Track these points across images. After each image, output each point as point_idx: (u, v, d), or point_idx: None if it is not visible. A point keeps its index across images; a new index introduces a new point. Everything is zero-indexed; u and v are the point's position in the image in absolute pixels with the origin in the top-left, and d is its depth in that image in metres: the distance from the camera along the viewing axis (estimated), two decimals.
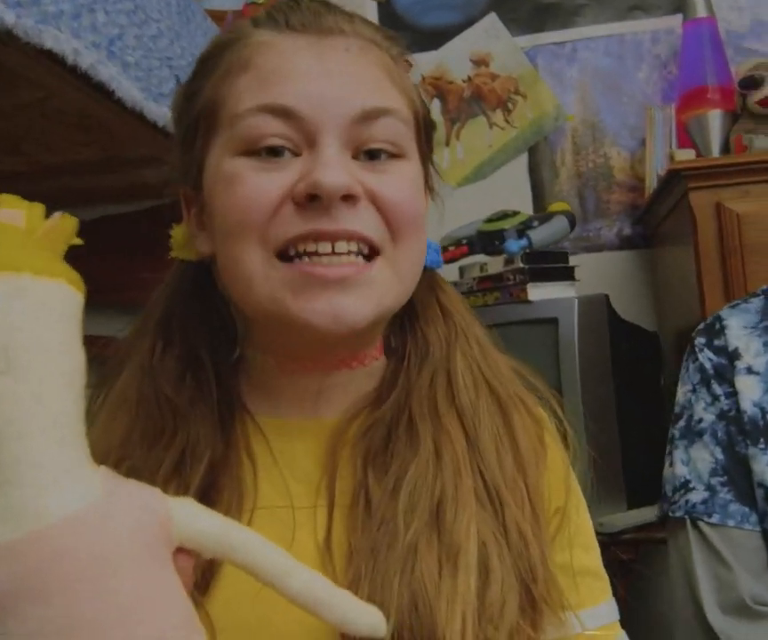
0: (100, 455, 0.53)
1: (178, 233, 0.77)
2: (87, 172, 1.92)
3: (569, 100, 2.53)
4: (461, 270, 2.16)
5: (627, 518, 1.85)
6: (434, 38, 2.59)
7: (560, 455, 0.75)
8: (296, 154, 0.65)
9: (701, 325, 1.33)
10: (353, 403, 0.73)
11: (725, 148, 2.06)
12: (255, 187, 0.64)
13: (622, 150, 2.49)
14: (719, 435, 1.22)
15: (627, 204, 2.49)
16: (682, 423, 1.29)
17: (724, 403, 1.24)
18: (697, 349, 1.30)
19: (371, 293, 0.66)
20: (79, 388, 0.48)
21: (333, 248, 0.64)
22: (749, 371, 1.22)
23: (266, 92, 0.65)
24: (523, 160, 2.54)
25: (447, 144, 2.55)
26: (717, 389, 1.25)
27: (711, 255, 1.87)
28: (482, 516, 0.66)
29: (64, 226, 0.49)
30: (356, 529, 0.66)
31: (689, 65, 2.18)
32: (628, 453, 1.94)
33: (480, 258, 2.13)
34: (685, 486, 1.24)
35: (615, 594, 0.79)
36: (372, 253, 0.67)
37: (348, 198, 0.64)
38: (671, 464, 1.30)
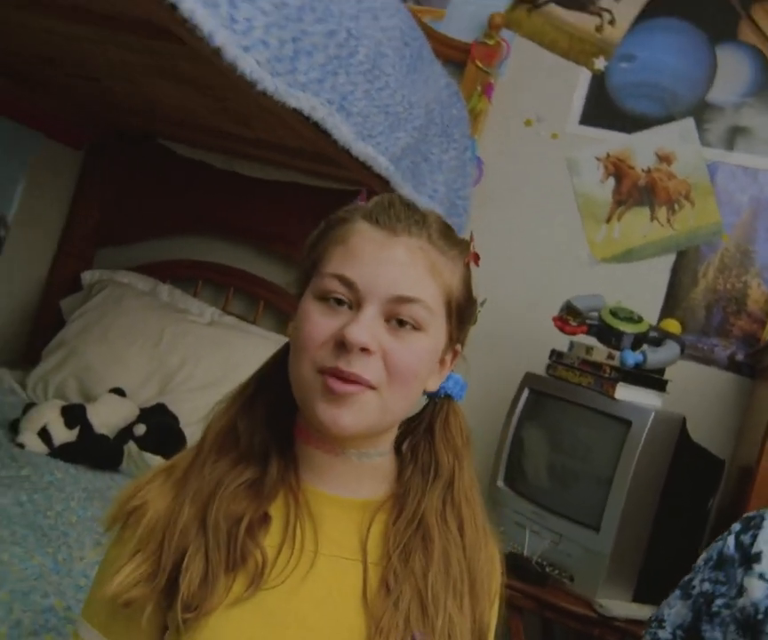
0: (194, 462, 0.92)
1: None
2: (295, 154, 2.42)
3: (731, 222, 2.65)
4: (572, 343, 2.40)
5: (624, 608, 2.09)
6: (631, 122, 2.77)
7: (497, 584, 1.03)
8: (352, 307, 0.92)
9: (751, 513, 1.50)
10: (379, 491, 0.99)
11: None
12: (316, 326, 0.92)
13: (763, 285, 2.59)
14: (697, 605, 1.49)
15: (749, 333, 2.59)
16: (688, 577, 1.57)
17: (720, 589, 1.46)
18: (731, 530, 1.50)
19: (360, 414, 0.91)
20: None
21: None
22: (761, 577, 1.39)
23: (342, 266, 0.92)
24: (669, 259, 2.69)
25: (607, 221, 2.74)
26: (721, 576, 1.47)
27: None
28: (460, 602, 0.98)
29: None
30: (389, 582, 0.93)
31: None
32: (651, 554, 2.18)
33: (590, 339, 2.37)
34: (660, 622, 1.56)
35: None
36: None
37: (364, 350, 0.90)
38: (667, 598, 1.59)
